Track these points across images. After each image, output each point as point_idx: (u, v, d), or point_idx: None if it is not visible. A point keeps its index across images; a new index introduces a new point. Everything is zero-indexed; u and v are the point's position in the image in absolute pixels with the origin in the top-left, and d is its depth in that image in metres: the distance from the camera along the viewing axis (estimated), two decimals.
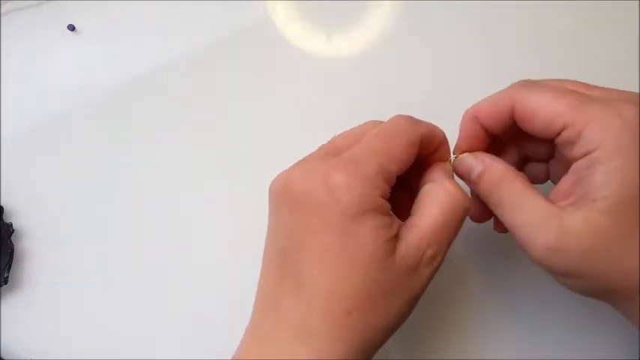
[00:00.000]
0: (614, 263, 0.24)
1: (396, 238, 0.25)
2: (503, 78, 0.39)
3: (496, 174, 0.27)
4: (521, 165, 0.31)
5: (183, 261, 0.37)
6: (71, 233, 0.37)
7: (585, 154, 0.24)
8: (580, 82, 0.27)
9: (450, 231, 0.26)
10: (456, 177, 0.29)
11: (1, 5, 0.40)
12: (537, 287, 0.35)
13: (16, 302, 0.36)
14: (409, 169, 0.27)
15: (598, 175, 0.24)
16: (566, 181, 0.25)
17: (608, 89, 0.26)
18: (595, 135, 0.24)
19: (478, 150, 0.29)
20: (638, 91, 0.37)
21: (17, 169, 0.38)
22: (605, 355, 0.34)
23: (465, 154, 0.29)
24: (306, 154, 0.29)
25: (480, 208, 0.29)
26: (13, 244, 0.36)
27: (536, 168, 0.31)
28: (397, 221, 0.26)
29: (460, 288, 0.36)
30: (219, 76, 0.39)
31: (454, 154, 0.29)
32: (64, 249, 0.37)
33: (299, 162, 0.27)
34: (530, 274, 0.35)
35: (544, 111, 0.25)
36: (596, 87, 0.27)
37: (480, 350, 0.35)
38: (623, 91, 0.26)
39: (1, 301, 0.36)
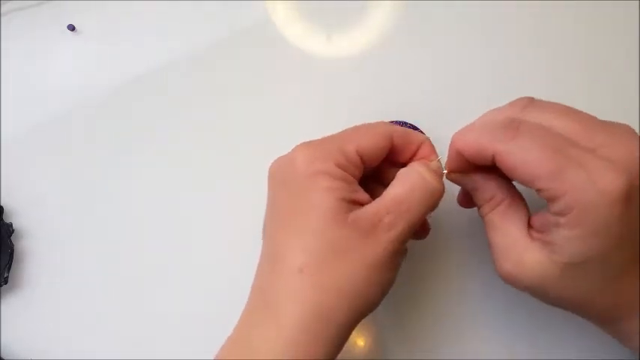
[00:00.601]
0: (560, 299, 0.27)
1: (353, 202, 0.26)
2: (503, 78, 0.39)
3: (485, 193, 0.28)
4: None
5: (184, 261, 0.37)
6: (71, 233, 0.37)
7: (557, 214, 0.25)
8: (576, 114, 0.26)
9: (413, 205, 0.27)
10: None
11: (1, 5, 0.40)
12: None
13: (16, 302, 0.36)
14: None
15: (560, 237, 0.25)
16: (541, 218, 0.26)
17: (604, 134, 0.25)
18: (569, 202, 0.24)
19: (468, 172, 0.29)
20: (638, 91, 0.37)
21: (17, 169, 0.38)
22: (605, 355, 0.34)
23: (458, 174, 0.29)
24: None
25: (467, 197, 0.30)
26: (13, 244, 0.36)
27: None
28: (363, 194, 0.27)
29: (462, 288, 0.36)
30: (219, 76, 0.39)
31: (445, 169, 0.29)
32: (64, 249, 0.37)
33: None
34: None
35: (523, 172, 0.25)
36: (592, 127, 0.25)
37: (478, 351, 0.35)
38: (623, 137, 0.25)
39: (1, 301, 0.36)
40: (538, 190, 0.25)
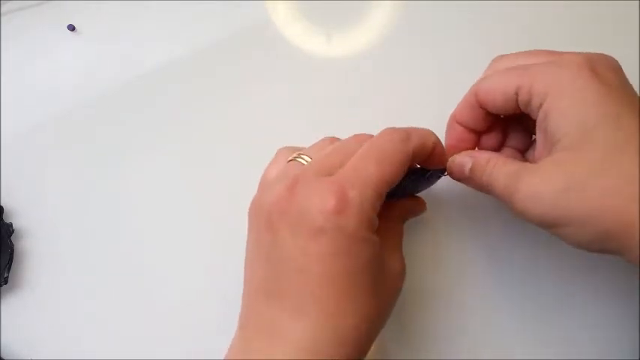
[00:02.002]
0: (598, 202, 0.23)
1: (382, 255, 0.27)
2: None
3: (483, 160, 0.28)
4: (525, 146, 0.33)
5: (184, 261, 0.37)
6: (71, 233, 0.37)
7: (540, 107, 0.26)
8: (545, 51, 0.29)
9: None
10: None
11: (1, 5, 0.40)
12: (537, 288, 0.35)
13: (16, 302, 0.36)
14: None
15: (552, 119, 0.25)
16: (539, 142, 0.27)
17: (557, 52, 0.28)
18: (541, 86, 0.25)
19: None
20: (638, 91, 0.37)
21: (17, 169, 0.38)
22: (605, 355, 0.34)
23: (454, 156, 0.30)
24: (294, 155, 0.29)
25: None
26: (13, 244, 0.36)
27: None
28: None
29: (462, 288, 0.36)
30: (219, 76, 0.39)
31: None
32: (64, 249, 0.37)
33: (290, 179, 0.26)
34: (530, 274, 0.35)
35: (497, 86, 0.28)
36: (551, 53, 0.29)
37: (478, 351, 0.35)
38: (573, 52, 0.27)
39: (1, 301, 0.36)
40: (516, 97, 0.27)
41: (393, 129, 0.28)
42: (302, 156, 0.28)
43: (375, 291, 0.25)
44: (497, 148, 0.32)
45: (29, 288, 0.36)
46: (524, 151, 0.32)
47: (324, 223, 0.24)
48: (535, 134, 0.31)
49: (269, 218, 0.26)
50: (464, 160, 0.29)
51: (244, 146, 0.38)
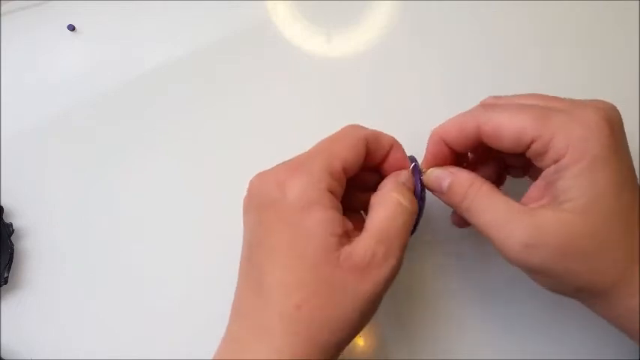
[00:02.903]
0: (585, 261, 0.25)
1: (345, 235, 0.26)
2: (503, 78, 0.39)
3: (465, 181, 0.28)
4: (499, 178, 0.33)
5: (184, 261, 0.37)
6: (71, 233, 0.37)
7: (554, 162, 0.25)
8: (540, 95, 0.28)
9: (397, 232, 0.27)
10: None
11: (1, 5, 0.40)
12: (537, 287, 0.35)
13: (16, 302, 0.36)
14: (369, 175, 0.30)
15: (566, 178, 0.25)
16: (536, 187, 0.27)
17: (566, 100, 0.28)
18: (561, 144, 0.25)
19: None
20: (638, 91, 0.37)
21: (17, 169, 0.38)
22: (605, 355, 0.34)
23: (433, 168, 0.30)
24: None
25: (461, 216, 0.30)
26: (13, 244, 0.36)
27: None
28: (348, 223, 0.27)
29: (462, 288, 0.36)
30: (220, 76, 0.39)
31: (423, 168, 0.30)
32: (64, 249, 0.37)
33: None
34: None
35: (510, 130, 0.26)
36: (554, 98, 0.28)
37: (478, 351, 0.35)
38: (581, 101, 0.27)
39: (1, 301, 0.36)
40: (530, 145, 0.26)
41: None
42: None
43: (320, 271, 0.25)
44: (490, 170, 0.32)
45: (29, 288, 0.36)
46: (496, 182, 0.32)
47: (274, 194, 0.26)
48: (528, 174, 0.32)
49: (243, 207, 0.28)
50: (442, 174, 0.29)
51: (244, 146, 0.38)
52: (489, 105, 0.28)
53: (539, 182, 0.27)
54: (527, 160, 0.27)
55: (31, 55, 0.40)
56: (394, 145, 0.30)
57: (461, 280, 0.36)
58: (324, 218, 0.26)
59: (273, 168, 0.28)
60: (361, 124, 0.29)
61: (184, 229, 0.37)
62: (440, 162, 0.30)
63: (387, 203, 0.28)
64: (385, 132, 0.30)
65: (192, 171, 0.38)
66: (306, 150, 0.29)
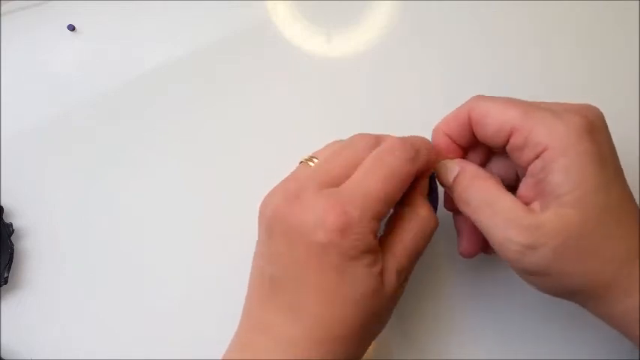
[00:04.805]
0: (580, 261, 0.25)
1: (382, 269, 0.26)
2: (504, 78, 0.39)
3: (469, 174, 0.28)
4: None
5: (184, 261, 0.37)
6: (71, 233, 0.37)
7: (536, 157, 0.25)
8: (529, 101, 0.29)
9: (419, 254, 0.29)
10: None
11: (1, 5, 0.40)
12: None
13: (16, 302, 0.36)
14: None
15: (555, 172, 0.25)
16: (525, 185, 0.27)
17: (556, 103, 0.28)
18: (541, 137, 0.25)
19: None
20: (638, 91, 0.37)
21: (17, 169, 0.38)
22: (606, 355, 0.34)
23: (445, 160, 0.30)
24: (305, 157, 0.29)
25: (470, 243, 0.31)
26: (13, 244, 0.36)
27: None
28: (380, 252, 0.27)
29: (462, 288, 0.36)
30: (219, 76, 0.39)
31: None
32: (64, 249, 0.37)
33: (292, 189, 0.27)
34: None
35: (494, 116, 0.27)
36: (545, 102, 0.28)
37: (479, 351, 0.35)
38: (569, 103, 0.28)
39: (1, 301, 0.36)
40: (509, 137, 0.26)
41: (403, 143, 0.28)
42: (314, 159, 0.29)
43: (364, 309, 0.26)
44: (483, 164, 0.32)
45: (29, 288, 0.36)
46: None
47: (321, 238, 0.25)
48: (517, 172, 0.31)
49: (269, 224, 0.27)
50: (451, 166, 0.29)
51: (244, 146, 0.38)
52: (483, 96, 0.29)
53: (528, 180, 0.26)
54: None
55: (31, 55, 0.40)
56: (434, 162, 0.30)
57: (461, 280, 0.36)
58: (370, 263, 0.26)
59: (310, 194, 0.26)
60: (409, 143, 0.28)
61: (184, 229, 0.37)
62: (447, 155, 0.30)
63: (414, 225, 0.28)
64: (386, 133, 0.29)
65: (192, 171, 0.38)
66: (330, 156, 0.28)
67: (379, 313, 0.27)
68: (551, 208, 0.25)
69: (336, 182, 0.27)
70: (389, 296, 0.27)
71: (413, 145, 0.28)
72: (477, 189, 0.27)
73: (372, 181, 0.26)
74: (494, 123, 0.27)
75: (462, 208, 0.28)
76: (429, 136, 0.30)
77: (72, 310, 0.36)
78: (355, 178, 0.26)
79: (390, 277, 0.27)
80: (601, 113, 0.27)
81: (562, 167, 0.25)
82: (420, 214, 0.28)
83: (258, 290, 0.28)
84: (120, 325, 0.36)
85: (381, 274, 0.26)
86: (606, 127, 0.27)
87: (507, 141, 0.27)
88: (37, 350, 0.35)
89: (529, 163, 0.26)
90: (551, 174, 0.25)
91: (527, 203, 0.26)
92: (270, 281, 0.27)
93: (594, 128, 0.26)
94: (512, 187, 0.29)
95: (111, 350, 0.35)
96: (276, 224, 0.26)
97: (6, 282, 0.35)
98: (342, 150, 0.28)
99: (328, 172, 0.27)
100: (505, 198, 0.26)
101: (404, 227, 0.28)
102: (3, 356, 0.35)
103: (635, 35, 0.39)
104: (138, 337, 0.36)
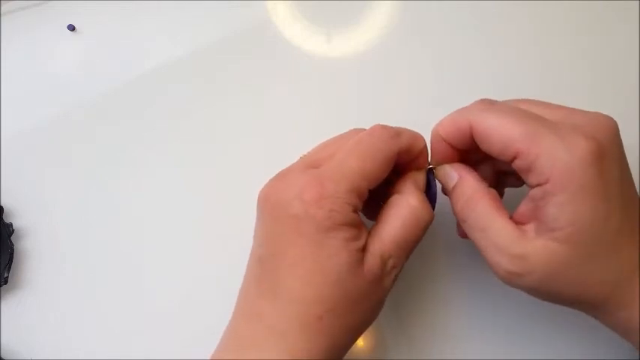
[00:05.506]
0: (572, 286, 0.25)
1: (363, 248, 0.26)
2: (504, 78, 0.39)
3: (467, 190, 0.28)
4: (498, 176, 0.32)
5: (184, 261, 0.37)
6: (71, 233, 0.37)
7: (538, 185, 0.25)
8: (538, 102, 0.28)
9: (410, 243, 0.28)
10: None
11: (1, 5, 0.40)
12: None
13: (16, 302, 0.36)
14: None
15: (551, 206, 0.25)
16: (525, 206, 0.26)
17: (567, 112, 0.27)
18: (545, 168, 0.25)
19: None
20: (638, 91, 0.37)
21: (17, 169, 0.38)
22: (605, 355, 0.34)
23: (445, 165, 0.29)
24: (304, 154, 0.30)
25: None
26: (13, 244, 0.36)
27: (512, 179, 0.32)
28: (365, 231, 0.27)
29: (462, 288, 0.36)
30: (220, 76, 0.39)
31: (430, 164, 0.30)
32: (64, 249, 0.37)
33: (281, 172, 0.28)
34: None
35: (498, 137, 0.26)
36: (556, 107, 0.27)
37: (479, 351, 0.35)
38: (584, 115, 0.27)
39: (1, 301, 0.36)
40: (514, 158, 0.25)
41: (384, 126, 0.28)
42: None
43: (343, 287, 0.26)
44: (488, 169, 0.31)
45: (29, 288, 0.36)
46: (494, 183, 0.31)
47: (297, 210, 0.25)
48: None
49: (258, 206, 0.28)
50: (451, 173, 0.29)
51: (244, 146, 0.38)
52: (486, 105, 0.28)
53: (528, 202, 0.26)
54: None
55: (31, 55, 0.40)
56: (422, 150, 0.29)
57: (461, 280, 0.36)
58: (349, 237, 0.26)
59: (294, 173, 0.27)
60: (391, 126, 0.28)
61: (184, 229, 0.37)
62: (446, 159, 0.29)
63: (404, 212, 0.28)
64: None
65: (192, 171, 0.38)
66: (323, 149, 0.29)
67: (359, 299, 0.26)
68: (542, 239, 0.25)
69: (320, 164, 0.28)
70: (370, 279, 0.26)
71: (395, 128, 0.28)
72: (471, 211, 0.27)
73: (351, 158, 0.27)
74: (498, 143, 0.26)
75: (460, 222, 0.28)
76: (428, 136, 0.30)
77: (72, 310, 0.36)
78: (336, 158, 0.27)
79: (373, 260, 0.26)
80: (614, 127, 0.26)
81: (559, 203, 0.24)
82: (410, 203, 0.28)
83: (250, 273, 0.28)
84: (120, 325, 0.36)
85: (362, 252, 0.26)
86: (618, 145, 0.26)
87: (512, 159, 0.26)
88: (37, 350, 0.35)
89: (532, 187, 0.26)
90: (547, 206, 0.25)
91: (523, 223, 0.26)
92: (259, 263, 0.27)
93: (602, 154, 0.24)
94: (511, 172, 0.29)
95: (111, 350, 0.35)
96: (263, 203, 0.27)
97: (6, 282, 0.35)
98: (333, 139, 0.30)
99: (314, 156, 0.29)
100: (498, 222, 0.26)
101: (392, 213, 0.28)
102: (3, 356, 0.35)
103: (635, 35, 0.39)
104: (138, 337, 0.36)
